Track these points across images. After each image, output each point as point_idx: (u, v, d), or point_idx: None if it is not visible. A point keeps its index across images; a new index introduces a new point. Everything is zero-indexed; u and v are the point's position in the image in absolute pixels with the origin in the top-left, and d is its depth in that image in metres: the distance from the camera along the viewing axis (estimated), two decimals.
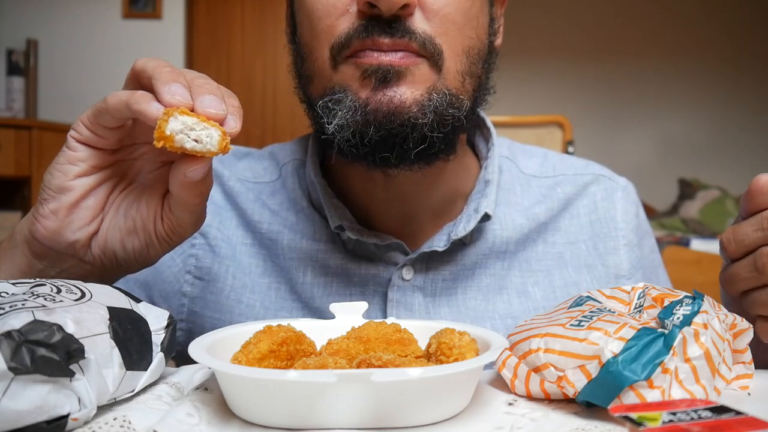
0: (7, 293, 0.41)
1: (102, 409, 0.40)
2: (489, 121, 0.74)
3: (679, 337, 0.40)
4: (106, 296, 0.44)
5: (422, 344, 0.47)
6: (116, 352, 0.40)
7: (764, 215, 0.47)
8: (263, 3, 3.61)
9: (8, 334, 0.34)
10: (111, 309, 0.42)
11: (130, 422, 0.38)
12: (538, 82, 3.80)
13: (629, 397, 0.39)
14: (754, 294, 0.49)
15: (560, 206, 0.73)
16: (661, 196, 3.54)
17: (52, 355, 0.35)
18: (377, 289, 0.67)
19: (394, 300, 0.66)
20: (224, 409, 0.41)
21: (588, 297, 0.51)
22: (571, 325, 0.43)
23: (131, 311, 0.44)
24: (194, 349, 0.41)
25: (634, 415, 0.31)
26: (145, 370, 0.43)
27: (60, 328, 0.36)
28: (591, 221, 0.73)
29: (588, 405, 0.41)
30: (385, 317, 0.66)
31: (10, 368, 0.33)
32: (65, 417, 0.36)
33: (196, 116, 0.44)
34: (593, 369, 0.40)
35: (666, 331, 0.40)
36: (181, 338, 0.71)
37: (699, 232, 2.98)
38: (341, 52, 0.57)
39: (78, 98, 3.20)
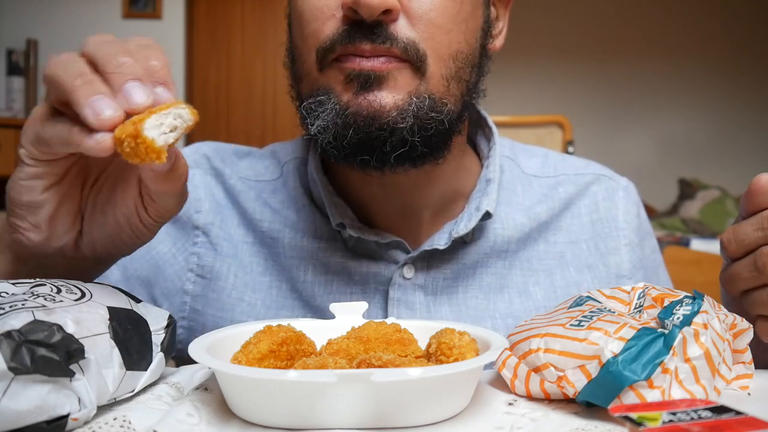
0: (7, 293, 0.41)
1: (102, 409, 0.40)
2: (491, 120, 0.74)
3: (679, 337, 0.40)
4: (106, 296, 0.44)
5: (422, 344, 0.47)
6: (116, 352, 0.40)
7: (764, 215, 0.47)
8: (263, 3, 3.61)
9: (8, 334, 0.34)
10: (111, 309, 0.42)
11: (130, 422, 0.38)
12: (538, 82, 3.80)
13: (629, 397, 0.39)
14: (755, 294, 0.49)
15: (561, 206, 0.73)
16: (661, 196, 3.54)
17: (52, 355, 0.35)
18: (378, 288, 0.67)
19: (395, 298, 0.66)
20: (224, 409, 0.41)
21: (588, 297, 0.51)
22: (571, 325, 0.43)
23: (131, 311, 0.44)
24: (194, 349, 0.41)
25: (634, 415, 0.31)
26: (145, 370, 0.43)
27: (60, 328, 0.36)
28: (592, 221, 0.73)
29: (588, 405, 0.41)
30: (386, 316, 0.66)
31: (10, 368, 0.33)
32: (65, 417, 0.36)
33: (151, 111, 0.41)
34: (593, 369, 0.40)
35: (666, 331, 0.40)
36: (183, 336, 0.71)
37: (699, 232, 2.98)
38: (326, 57, 0.58)
39: None
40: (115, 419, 0.38)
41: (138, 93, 0.41)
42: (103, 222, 0.50)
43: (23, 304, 0.38)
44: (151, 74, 0.43)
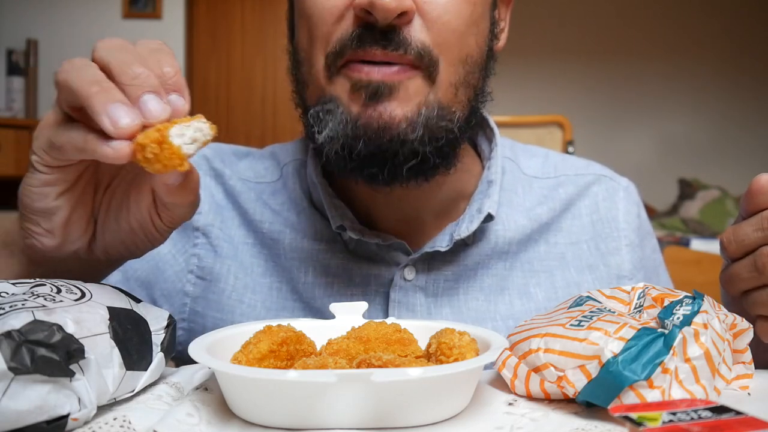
0: (7, 293, 0.41)
1: (102, 409, 0.40)
2: (492, 121, 0.74)
3: (679, 337, 0.40)
4: (106, 296, 0.44)
5: (422, 344, 0.47)
6: (116, 352, 0.40)
7: (764, 215, 0.47)
8: (263, 3, 3.61)
9: (8, 334, 0.34)
10: (111, 309, 0.42)
11: (130, 422, 0.38)
12: (538, 82, 3.80)
13: (629, 397, 0.39)
14: (755, 294, 0.49)
15: (562, 206, 0.73)
16: (661, 196, 3.54)
17: (52, 355, 0.35)
18: (379, 290, 0.67)
19: (396, 300, 0.66)
20: (224, 409, 0.41)
21: (588, 297, 0.51)
22: (571, 325, 0.43)
23: (131, 311, 0.44)
24: (194, 349, 0.41)
25: (634, 415, 0.31)
26: (145, 370, 0.43)
27: (60, 328, 0.36)
28: (593, 221, 0.73)
29: (588, 405, 0.41)
30: (387, 318, 0.66)
31: (10, 368, 0.33)
32: (65, 417, 0.36)
33: (170, 123, 0.41)
34: (593, 369, 0.40)
35: (666, 331, 0.40)
36: (183, 338, 0.71)
37: (699, 232, 2.98)
38: (336, 62, 0.57)
39: None
40: (115, 419, 0.38)
41: (155, 106, 0.41)
42: (117, 227, 0.50)
43: (23, 304, 0.38)
44: (164, 82, 0.43)
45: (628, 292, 0.51)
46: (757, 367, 0.47)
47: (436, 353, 0.43)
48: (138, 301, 0.47)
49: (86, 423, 0.38)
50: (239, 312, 0.69)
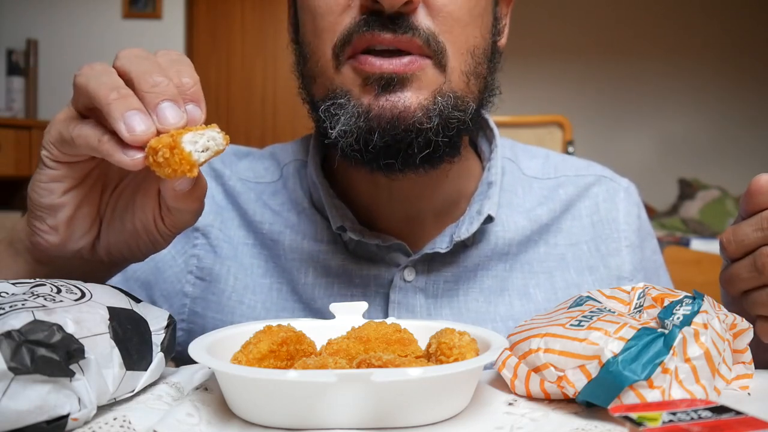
0: (7, 293, 0.41)
1: (102, 409, 0.40)
2: (492, 122, 0.74)
3: (679, 337, 0.40)
4: (106, 296, 0.44)
5: (422, 344, 0.47)
6: (116, 352, 0.40)
7: (764, 215, 0.47)
8: (263, 3, 3.61)
9: (8, 334, 0.34)
10: (111, 309, 0.42)
11: (130, 422, 0.38)
12: (538, 82, 3.80)
13: (629, 397, 0.39)
14: (754, 294, 0.49)
15: (562, 207, 0.73)
16: (661, 196, 3.54)
17: (52, 355, 0.35)
18: (379, 291, 0.67)
19: (396, 301, 0.66)
20: (224, 409, 0.41)
21: (588, 297, 0.51)
22: (571, 325, 0.43)
23: (131, 311, 0.44)
24: (194, 349, 0.41)
25: (634, 415, 0.31)
26: (145, 370, 0.43)
27: (60, 328, 0.36)
28: (593, 222, 0.73)
29: (588, 405, 0.41)
30: (387, 318, 0.66)
31: (10, 368, 0.33)
32: (65, 417, 0.36)
33: (185, 130, 0.42)
34: (593, 369, 0.40)
35: (666, 331, 0.40)
36: (182, 338, 0.71)
37: (699, 232, 2.98)
38: (343, 50, 0.56)
39: None
40: (115, 419, 0.38)
41: (171, 113, 0.42)
42: (121, 228, 0.50)
43: (23, 304, 0.38)
44: (183, 92, 0.44)
45: (628, 292, 0.51)
46: (757, 367, 0.47)
47: (436, 353, 0.43)
48: (138, 301, 0.47)
49: (86, 423, 0.38)
50: (239, 313, 0.69)
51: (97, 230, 0.51)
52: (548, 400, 0.43)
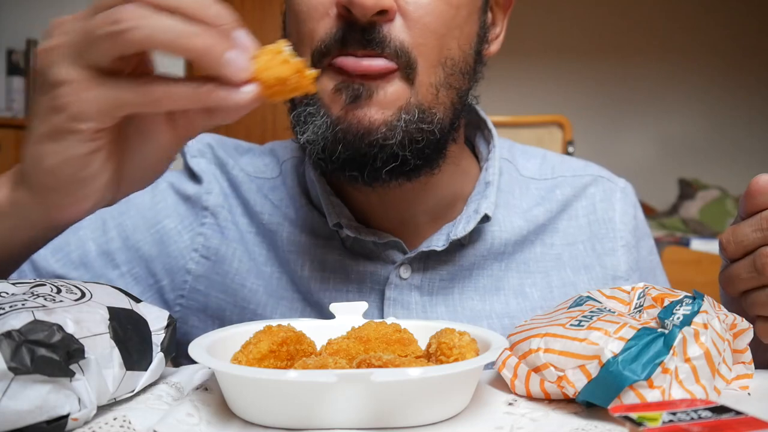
0: (7, 293, 0.41)
1: (102, 409, 0.40)
2: (490, 122, 0.74)
3: (679, 337, 0.40)
4: (106, 296, 0.44)
5: (422, 344, 0.47)
6: (116, 352, 0.40)
7: (763, 215, 0.47)
8: (263, 3, 3.61)
9: (8, 334, 0.34)
10: (111, 309, 0.42)
11: (130, 422, 0.38)
12: (538, 82, 3.80)
13: (629, 397, 0.39)
14: (754, 294, 0.49)
15: (559, 208, 0.73)
16: (661, 196, 3.54)
17: (52, 355, 0.35)
18: (374, 287, 0.67)
19: (391, 298, 0.66)
20: (224, 409, 0.41)
21: (588, 297, 0.51)
22: (571, 325, 0.43)
23: (131, 311, 0.44)
24: (194, 349, 0.41)
25: (634, 415, 0.31)
26: (145, 370, 0.43)
27: (60, 328, 0.36)
28: (589, 222, 0.73)
29: (588, 405, 0.41)
30: (382, 315, 0.66)
31: (10, 368, 0.33)
32: (65, 417, 0.36)
33: (270, 51, 0.42)
34: (593, 369, 0.40)
35: (666, 331, 0.40)
36: (180, 314, 0.71)
37: (699, 232, 2.98)
38: (321, 60, 0.57)
39: None
40: (115, 419, 0.38)
41: (246, 39, 0.41)
42: (141, 162, 0.48)
43: (23, 304, 0.38)
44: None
45: (628, 292, 0.51)
46: (757, 367, 0.47)
47: (436, 353, 0.43)
48: (138, 301, 0.47)
49: (86, 423, 0.38)
50: (241, 296, 0.69)
51: (119, 177, 0.48)
52: (548, 400, 0.43)
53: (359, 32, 0.55)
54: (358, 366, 0.41)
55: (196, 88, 0.40)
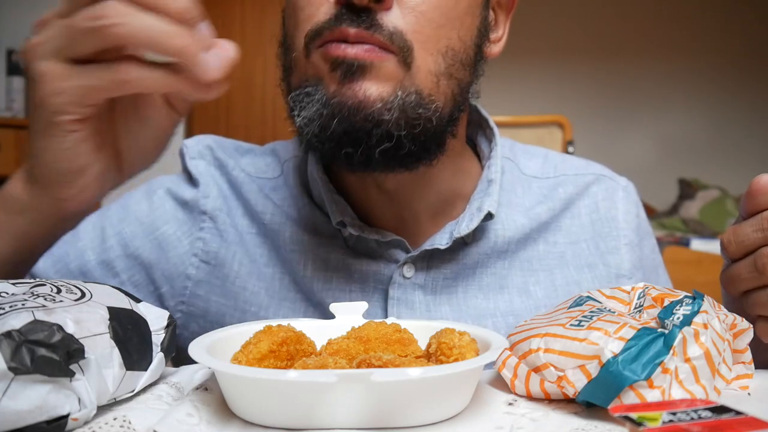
0: (7, 293, 0.41)
1: (102, 409, 0.40)
2: (492, 121, 0.74)
3: (679, 337, 0.40)
4: (106, 296, 0.44)
5: (422, 344, 0.47)
6: (116, 352, 0.40)
7: (764, 216, 0.47)
8: (263, 3, 3.61)
9: (8, 334, 0.34)
10: (111, 309, 0.42)
11: (130, 422, 0.38)
12: (538, 82, 3.80)
13: (629, 397, 0.39)
14: (755, 294, 0.49)
15: (561, 206, 0.73)
16: (661, 196, 3.54)
17: (52, 355, 0.35)
18: (377, 287, 0.67)
19: (395, 297, 0.66)
20: (224, 409, 0.41)
21: (588, 297, 0.51)
22: (571, 325, 0.43)
23: (131, 311, 0.44)
24: (194, 349, 0.41)
25: (634, 415, 0.31)
26: (145, 370, 0.43)
27: (60, 328, 0.36)
28: (592, 221, 0.73)
29: (588, 405, 0.41)
30: (386, 315, 0.66)
31: (10, 368, 0.33)
32: (65, 417, 0.36)
33: None
34: (593, 369, 0.40)
35: (666, 331, 0.40)
36: (181, 320, 0.71)
37: (699, 232, 2.98)
38: (314, 41, 0.57)
39: None
40: (115, 419, 0.38)
41: (205, 28, 0.43)
42: (143, 142, 0.51)
43: (23, 304, 0.38)
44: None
45: (628, 292, 0.51)
46: (757, 367, 0.47)
47: (436, 353, 0.43)
48: (138, 300, 0.47)
49: (86, 423, 0.38)
50: (243, 298, 0.69)
51: (120, 161, 0.50)
52: (548, 400, 0.43)
53: (355, 14, 0.55)
54: (358, 366, 0.41)
55: (164, 74, 0.42)
